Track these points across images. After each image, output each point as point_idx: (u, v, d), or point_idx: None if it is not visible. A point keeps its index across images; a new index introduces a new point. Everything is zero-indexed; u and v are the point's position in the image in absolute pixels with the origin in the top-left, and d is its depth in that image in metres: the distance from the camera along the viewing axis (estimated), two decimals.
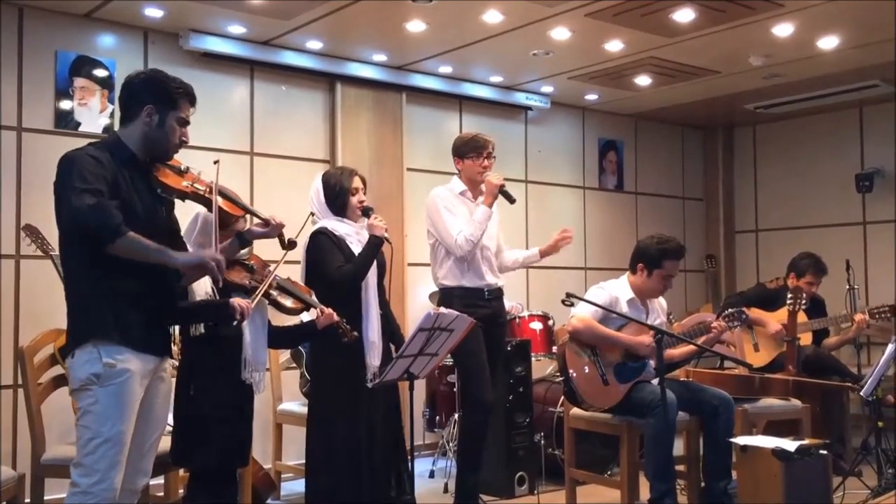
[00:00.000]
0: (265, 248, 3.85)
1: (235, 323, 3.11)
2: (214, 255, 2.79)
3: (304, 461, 3.86)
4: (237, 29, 5.21)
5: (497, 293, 4.40)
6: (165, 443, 3.46)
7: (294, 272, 3.80)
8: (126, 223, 2.62)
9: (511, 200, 4.33)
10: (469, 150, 4.35)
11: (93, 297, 2.72)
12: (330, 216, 3.87)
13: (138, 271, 2.72)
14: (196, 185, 2.97)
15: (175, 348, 3.79)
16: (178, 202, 3.04)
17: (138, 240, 2.64)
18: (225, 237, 3.29)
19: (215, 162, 2.99)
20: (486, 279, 4.33)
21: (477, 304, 4.24)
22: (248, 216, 3.28)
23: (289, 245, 3.29)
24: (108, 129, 4.90)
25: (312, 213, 3.80)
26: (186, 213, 3.28)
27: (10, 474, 3.34)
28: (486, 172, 4.31)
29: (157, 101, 2.83)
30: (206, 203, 3.01)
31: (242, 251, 3.46)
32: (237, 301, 3.11)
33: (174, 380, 3.38)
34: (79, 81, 4.90)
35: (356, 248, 3.80)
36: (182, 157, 3.03)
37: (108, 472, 2.66)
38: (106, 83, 4.97)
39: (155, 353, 2.84)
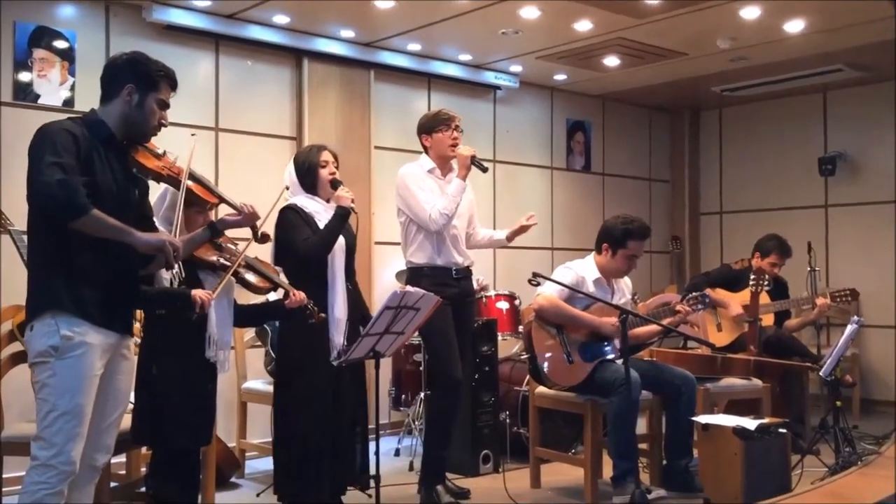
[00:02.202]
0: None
1: (195, 316, 3.10)
2: (174, 241, 2.81)
3: (268, 439, 3.85)
4: (202, 1, 5.12)
5: (465, 272, 4.41)
6: (127, 421, 3.43)
7: (262, 252, 3.77)
8: (95, 201, 2.63)
9: (483, 170, 4.32)
10: (437, 123, 4.34)
11: (53, 269, 2.71)
12: (302, 194, 3.87)
13: (101, 248, 2.72)
14: (171, 169, 3.01)
15: (137, 326, 3.75)
16: (152, 185, 3.06)
17: (102, 218, 2.65)
18: (195, 216, 3.28)
19: (192, 134, 3.04)
20: (455, 258, 4.33)
21: (445, 282, 4.25)
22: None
23: (262, 239, 3.31)
24: (68, 101, 4.80)
25: (287, 188, 3.78)
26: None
27: None
28: (456, 144, 4.31)
29: (137, 82, 2.85)
30: (179, 186, 3.05)
31: None
32: (198, 293, 3.11)
33: (133, 358, 3.35)
34: (38, 53, 4.79)
35: (323, 225, 3.78)
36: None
37: (66, 444, 2.66)
38: (66, 55, 4.86)
39: (115, 330, 2.82)
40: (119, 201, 2.79)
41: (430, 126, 4.36)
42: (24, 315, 2.78)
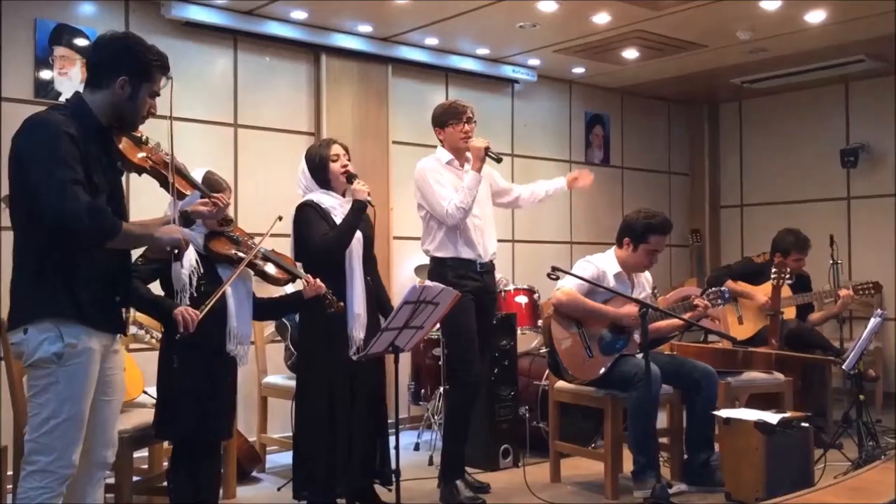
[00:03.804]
0: (250, 223, 3.82)
1: (178, 336, 3.07)
2: (187, 236, 2.81)
3: (289, 434, 3.86)
4: None
5: (488, 267, 4.38)
6: (149, 415, 3.46)
7: (278, 245, 3.78)
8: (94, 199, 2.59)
9: (498, 160, 4.31)
10: (449, 116, 4.33)
11: (48, 271, 2.62)
12: (317, 190, 3.87)
13: (94, 250, 2.66)
14: (153, 158, 2.89)
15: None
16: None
17: (129, 230, 2.65)
18: None
19: (279, 218, 3.12)
20: (479, 251, 4.31)
21: (468, 275, 4.24)
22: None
23: (225, 222, 3.29)
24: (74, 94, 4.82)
25: (280, 218, 3.72)
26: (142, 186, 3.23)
27: None
28: (468, 137, 4.29)
29: (131, 73, 2.72)
30: (162, 179, 2.93)
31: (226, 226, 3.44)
32: (181, 312, 3.06)
33: (155, 352, 3.37)
34: (59, 50, 4.83)
35: (340, 220, 3.79)
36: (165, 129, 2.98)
37: (66, 449, 2.62)
38: (86, 52, 4.89)
39: (110, 331, 2.78)
40: (112, 197, 2.72)
41: (443, 119, 4.35)
42: (10, 313, 2.68)
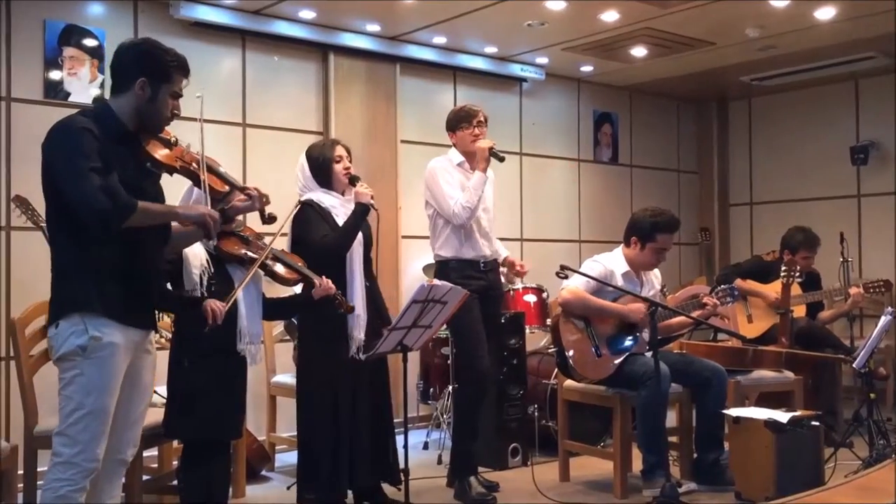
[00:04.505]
0: (260, 222, 3.82)
1: (207, 329, 3.07)
2: (213, 213, 2.85)
3: (296, 433, 3.88)
4: None
5: (492, 265, 4.41)
6: (159, 414, 3.47)
7: (286, 244, 3.79)
8: None
9: (500, 159, 4.32)
10: (459, 120, 4.36)
11: (79, 268, 2.71)
12: (317, 189, 3.87)
13: (126, 245, 2.73)
14: (184, 159, 2.94)
15: (167, 320, 3.79)
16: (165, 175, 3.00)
17: (148, 207, 2.71)
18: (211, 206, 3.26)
19: (198, 96, 2.96)
20: (483, 251, 4.33)
21: (472, 275, 4.25)
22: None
23: (269, 220, 3.27)
24: (98, 100, 4.84)
25: (300, 203, 3.72)
26: (177, 186, 3.24)
27: (4, 446, 3.35)
28: (478, 139, 4.31)
29: (150, 75, 2.79)
30: (194, 178, 2.98)
31: (237, 223, 3.45)
32: (210, 304, 3.07)
33: (164, 352, 3.38)
34: (68, 51, 4.84)
35: (341, 221, 3.80)
36: (173, 128, 3.00)
37: (91, 443, 2.67)
38: (95, 53, 4.91)
39: (140, 327, 2.83)
40: (136, 197, 2.74)
41: (454, 124, 4.39)
42: (49, 310, 2.78)
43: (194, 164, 2.96)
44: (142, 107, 2.81)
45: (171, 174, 2.97)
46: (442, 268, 4.31)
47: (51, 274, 2.79)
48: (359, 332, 3.75)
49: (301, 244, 3.78)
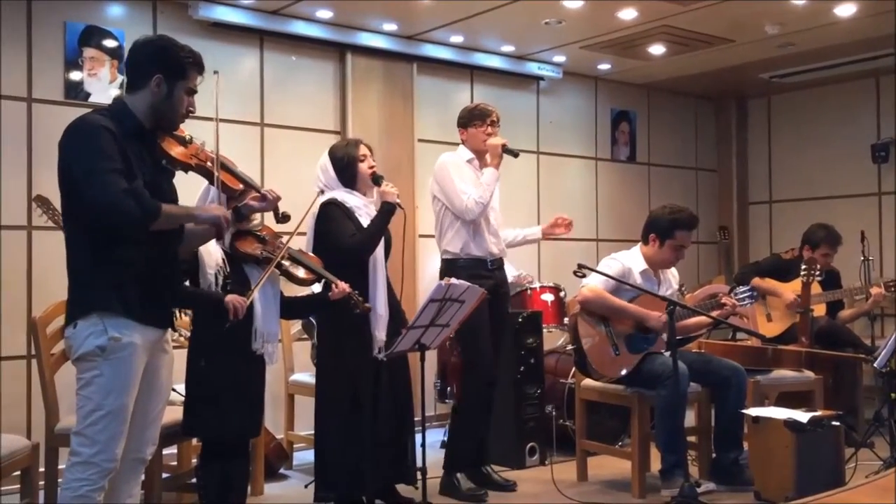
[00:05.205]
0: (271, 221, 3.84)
1: (228, 325, 3.10)
2: (226, 214, 2.90)
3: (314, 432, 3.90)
4: None
5: (499, 263, 4.41)
6: (178, 413, 3.48)
7: (304, 244, 3.80)
8: None
9: (515, 155, 4.34)
10: (474, 118, 4.37)
11: (97, 268, 2.71)
12: (340, 189, 3.87)
13: (142, 243, 2.73)
14: (199, 157, 2.95)
15: (186, 319, 3.81)
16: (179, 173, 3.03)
17: (170, 211, 2.74)
18: (226, 204, 3.29)
19: (215, 72, 2.97)
20: (490, 249, 4.33)
21: (480, 273, 4.23)
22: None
23: (283, 219, 3.29)
24: (117, 99, 4.88)
25: (322, 191, 3.77)
26: (189, 183, 3.26)
27: (25, 444, 3.38)
28: (489, 137, 4.32)
29: (165, 71, 2.79)
30: (209, 176, 3.01)
31: (255, 222, 3.47)
32: (231, 300, 3.10)
33: (182, 351, 3.40)
34: (88, 52, 4.88)
35: (364, 221, 3.80)
36: (191, 128, 3.02)
37: (109, 442, 2.68)
38: (115, 53, 4.94)
39: (158, 326, 2.85)
40: (156, 195, 2.77)
41: (466, 120, 4.40)
42: (66, 310, 2.79)
43: (209, 163, 2.97)
44: (157, 104, 2.80)
45: (186, 172, 2.99)
46: (450, 265, 4.30)
47: (67, 273, 2.79)
48: (380, 331, 3.76)
49: (325, 242, 3.77)
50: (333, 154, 3.94)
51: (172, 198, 2.95)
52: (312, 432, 3.95)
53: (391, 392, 3.83)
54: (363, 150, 3.92)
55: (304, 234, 3.61)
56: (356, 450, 3.70)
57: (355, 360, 3.74)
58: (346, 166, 3.88)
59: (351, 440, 3.71)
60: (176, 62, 2.81)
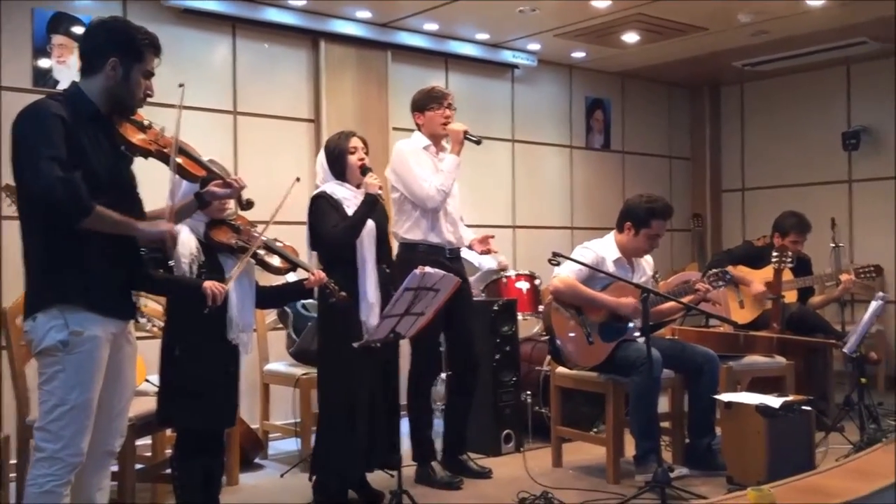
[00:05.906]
0: (250, 210, 3.81)
1: (206, 310, 3.06)
2: (172, 230, 2.82)
3: (291, 421, 3.90)
4: None
5: (456, 253, 4.39)
6: (152, 403, 3.46)
7: (281, 233, 3.77)
8: (91, 187, 2.57)
9: (477, 142, 4.31)
10: (430, 101, 4.34)
11: (58, 260, 2.64)
12: (332, 180, 3.90)
13: (102, 236, 2.66)
14: (159, 142, 2.87)
15: (159, 308, 3.78)
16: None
17: (104, 214, 2.60)
18: None
19: (180, 85, 2.85)
20: (448, 237, 4.31)
21: (440, 261, 4.16)
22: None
23: (247, 205, 3.23)
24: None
25: (298, 179, 3.74)
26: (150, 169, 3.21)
27: None
28: (448, 122, 4.29)
29: (121, 54, 2.71)
30: (168, 161, 2.90)
31: (228, 211, 3.43)
32: (209, 286, 3.07)
33: (156, 341, 3.37)
34: (57, 39, 4.81)
35: (352, 212, 3.80)
36: (155, 115, 2.97)
37: (75, 437, 2.63)
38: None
39: (120, 318, 2.80)
40: (112, 182, 2.71)
41: (423, 104, 4.36)
42: (24, 302, 2.71)
43: (169, 149, 2.87)
44: (114, 88, 2.73)
45: (145, 158, 2.89)
46: (408, 251, 4.25)
47: (24, 264, 2.71)
48: (372, 319, 3.74)
49: (315, 235, 3.83)
50: (327, 146, 3.97)
51: (132, 185, 2.88)
52: (287, 422, 3.96)
53: (386, 378, 3.86)
54: (354, 142, 3.92)
55: (280, 223, 3.59)
56: (353, 435, 3.72)
57: (348, 347, 3.72)
58: (336, 158, 3.90)
59: (346, 424, 3.73)
60: (132, 44, 2.73)
